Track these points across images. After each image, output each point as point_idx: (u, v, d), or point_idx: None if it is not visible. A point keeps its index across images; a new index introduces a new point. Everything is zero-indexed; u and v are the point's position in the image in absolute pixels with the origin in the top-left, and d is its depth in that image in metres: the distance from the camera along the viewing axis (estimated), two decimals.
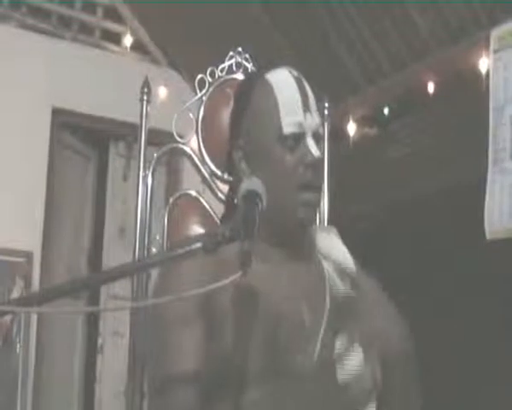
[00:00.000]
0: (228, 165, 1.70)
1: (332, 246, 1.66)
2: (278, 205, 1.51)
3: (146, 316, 1.93)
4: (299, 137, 1.54)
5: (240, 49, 2.15)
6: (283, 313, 1.50)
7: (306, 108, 1.56)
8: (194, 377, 1.44)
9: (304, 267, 1.59)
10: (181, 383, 1.44)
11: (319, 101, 2.16)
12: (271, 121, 1.55)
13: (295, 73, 1.60)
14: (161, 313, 1.46)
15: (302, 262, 1.59)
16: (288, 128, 1.54)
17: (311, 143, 1.54)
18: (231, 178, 1.77)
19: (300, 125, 1.54)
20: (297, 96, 1.56)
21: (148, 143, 2.07)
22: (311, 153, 1.53)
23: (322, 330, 1.53)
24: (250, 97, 1.62)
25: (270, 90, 1.57)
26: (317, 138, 1.57)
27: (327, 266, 1.62)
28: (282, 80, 1.58)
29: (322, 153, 1.58)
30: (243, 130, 1.62)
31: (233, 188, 1.68)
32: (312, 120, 1.56)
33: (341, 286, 1.60)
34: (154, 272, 1.97)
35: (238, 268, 1.20)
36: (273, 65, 1.61)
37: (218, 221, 2.04)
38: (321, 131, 1.59)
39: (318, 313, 1.55)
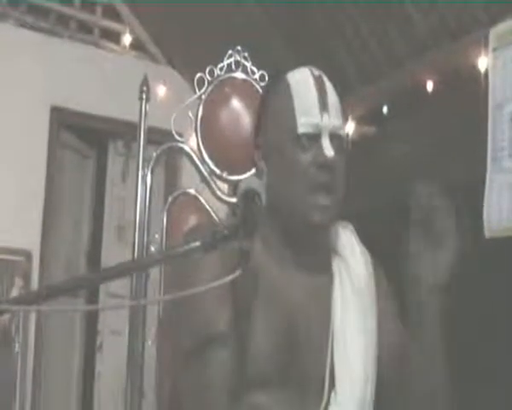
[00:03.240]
0: (254, 165, 1.68)
1: (344, 245, 1.65)
2: (291, 206, 1.51)
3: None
4: (314, 138, 1.52)
5: (239, 47, 2.15)
6: (294, 319, 1.50)
7: (324, 108, 1.53)
8: (228, 343, 1.43)
9: (316, 272, 1.58)
10: (217, 347, 1.43)
11: None
12: (287, 121, 1.53)
13: (316, 73, 1.58)
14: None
15: (314, 266, 1.58)
16: (302, 128, 1.51)
17: (325, 143, 1.51)
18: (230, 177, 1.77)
19: (316, 126, 1.52)
20: (314, 96, 1.54)
21: (147, 141, 2.07)
22: (323, 153, 1.50)
23: (330, 339, 1.53)
24: (269, 97, 1.62)
25: (288, 90, 1.56)
26: (336, 139, 1.53)
27: (339, 268, 1.61)
28: (301, 80, 1.57)
29: (342, 155, 1.54)
30: (262, 130, 1.62)
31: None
32: (330, 121, 1.53)
33: (350, 292, 1.59)
34: (153, 271, 1.98)
35: (237, 265, 1.20)
36: (297, 65, 1.60)
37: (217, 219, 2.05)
38: (341, 132, 1.56)
39: (326, 320, 1.55)
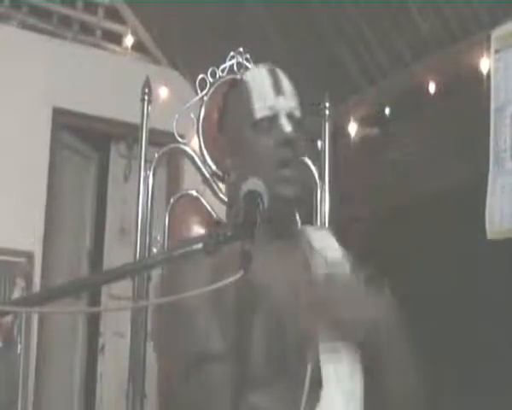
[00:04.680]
0: (223, 167, 1.77)
1: (325, 243, 1.68)
2: None
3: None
4: (272, 120, 1.60)
5: (241, 49, 2.15)
6: (280, 315, 1.51)
7: (278, 92, 1.63)
8: (224, 356, 1.45)
9: (294, 264, 1.61)
10: (214, 361, 1.45)
11: (320, 100, 2.17)
12: (245, 111, 1.62)
13: (269, 66, 1.69)
14: (177, 305, 1.45)
15: (289, 247, 1.62)
16: (259, 113, 1.60)
17: (283, 121, 1.60)
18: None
19: (272, 107, 1.60)
20: (268, 83, 1.63)
21: (149, 143, 2.07)
22: (282, 131, 1.59)
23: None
24: (228, 98, 1.72)
25: (245, 85, 1.66)
26: (293, 119, 1.62)
27: (316, 258, 1.63)
28: (255, 73, 1.68)
29: (298, 132, 1.62)
30: (225, 129, 1.71)
31: (229, 187, 1.77)
32: (285, 102, 1.62)
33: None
34: (155, 273, 1.97)
35: (238, 267, 1.20)
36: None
37: (222, 220, 2.05)
38: (298, 113, 1.64)
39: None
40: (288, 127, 1.59)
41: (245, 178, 1.48)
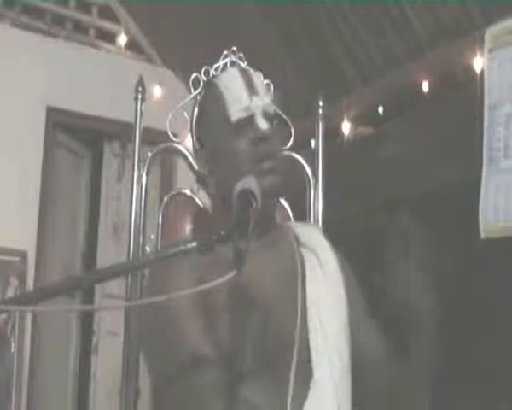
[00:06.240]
0: (199, 174, 1.78)
1: (312, 239, 1.68)
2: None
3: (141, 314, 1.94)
4: (249, 121, 1.61)
5: (234, 48, 2.14)
6: (265, 310, 1.52)
7: (252, 92, 1.63)
8: (209, 359, 1.45)
9: (278, 257, 1.62)
10: (199, 365, 1.45)
11: (314, 100, 2.17)
12: (221, 116, 1.63)
13: (241, 67, 1.72)
14: (162, 307, 1.45)
15: (274, 240, 1.64)
16: (235, 116, 1.61)
17: (259, 120, 1.61)
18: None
19: (247, 108, 1.61)
20: (241, 84, 1.64)
21: (143, 142, 2.07)
22: (258, 128, 1.59)
23: (298, 323, 1.55)
24: (202, 106, 1.73)
25: (217, 91, 1.67)
26: (268, 116, 1.63)
27: (309, 258, 1.64)
28: (227, 77, 1.69)
29: (274, 127, 1.64)
30: (202, 138, 1.72)
31: (211, 194, 1.77)
32: (260, 101, 1.62)
33: (321, 278, 1.61)
34: (148, 272, 1.97)
35: (231, 266, 1.20)
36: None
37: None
38: (272, 109, 1.66)
39: (293, 300, 1.57)
40: (264, 125, 1.60)
41: (228, 181, 1.50)
